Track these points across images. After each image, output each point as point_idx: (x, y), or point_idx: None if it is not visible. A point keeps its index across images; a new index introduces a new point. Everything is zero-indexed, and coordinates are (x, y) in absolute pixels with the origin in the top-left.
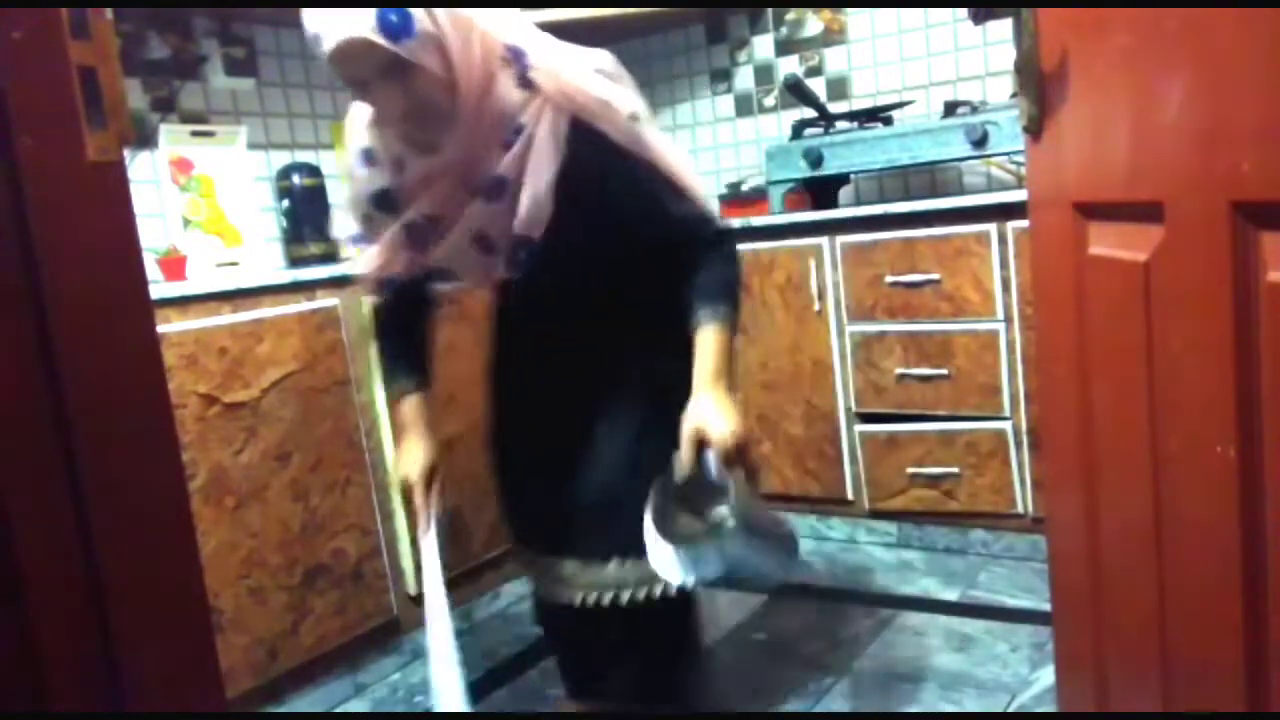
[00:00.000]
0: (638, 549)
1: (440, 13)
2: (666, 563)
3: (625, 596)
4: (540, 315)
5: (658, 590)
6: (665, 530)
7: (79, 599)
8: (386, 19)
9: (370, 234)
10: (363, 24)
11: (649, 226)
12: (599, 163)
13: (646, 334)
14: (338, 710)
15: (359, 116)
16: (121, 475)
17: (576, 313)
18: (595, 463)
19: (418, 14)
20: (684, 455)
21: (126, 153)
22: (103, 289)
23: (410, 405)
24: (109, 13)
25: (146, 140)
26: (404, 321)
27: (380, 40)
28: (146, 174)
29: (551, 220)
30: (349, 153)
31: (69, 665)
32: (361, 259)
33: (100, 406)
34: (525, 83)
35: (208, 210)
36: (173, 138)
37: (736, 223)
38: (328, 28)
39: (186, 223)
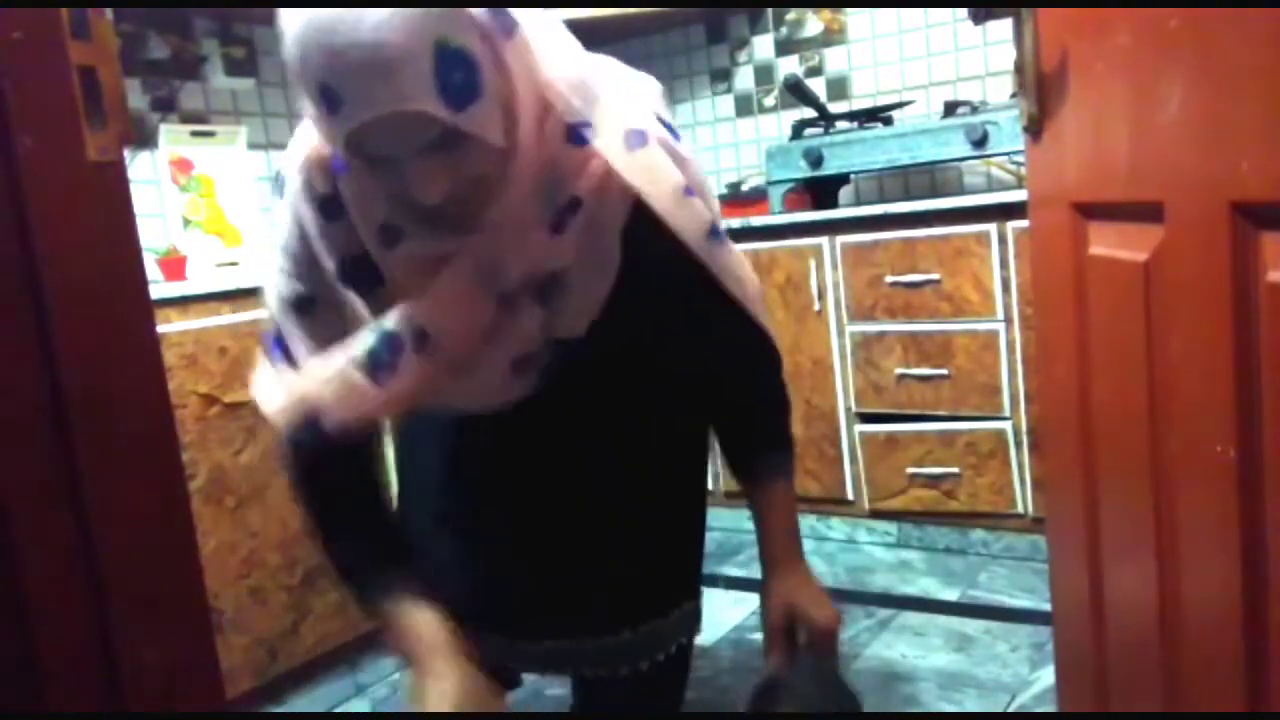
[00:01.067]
0: (651, 612)
1: (506, 52)
2: None
3: (644, 664)
4: (552, 424)
5: (673, 648)
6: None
7: (79, 599)
8: (450, 81)
9: (306, 334)
10: (418, 90)
11: (710, 356)
12: (661, 265)
13: (674, 456)
14: (338, 710)
15: (306, 149)
16: (121, 475)
17: (603, 432)
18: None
19: (485, 66)
20: (776, 647)
21: (126, 153)
22: (103, 289)
23: (424, 621)
24: (109, 13)
25: (146, 140)
26: (355, 482)
27: (443, 114)
28: (146, 174)
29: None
30: (288, 201)
31: (69, 665)
32: (278, 381)
33: (100, 406)
34: (579, 138)
35: (208, 210)
36: (173, 138)
37: (736, 223)
38: (358, 89)
39: (186, 223)
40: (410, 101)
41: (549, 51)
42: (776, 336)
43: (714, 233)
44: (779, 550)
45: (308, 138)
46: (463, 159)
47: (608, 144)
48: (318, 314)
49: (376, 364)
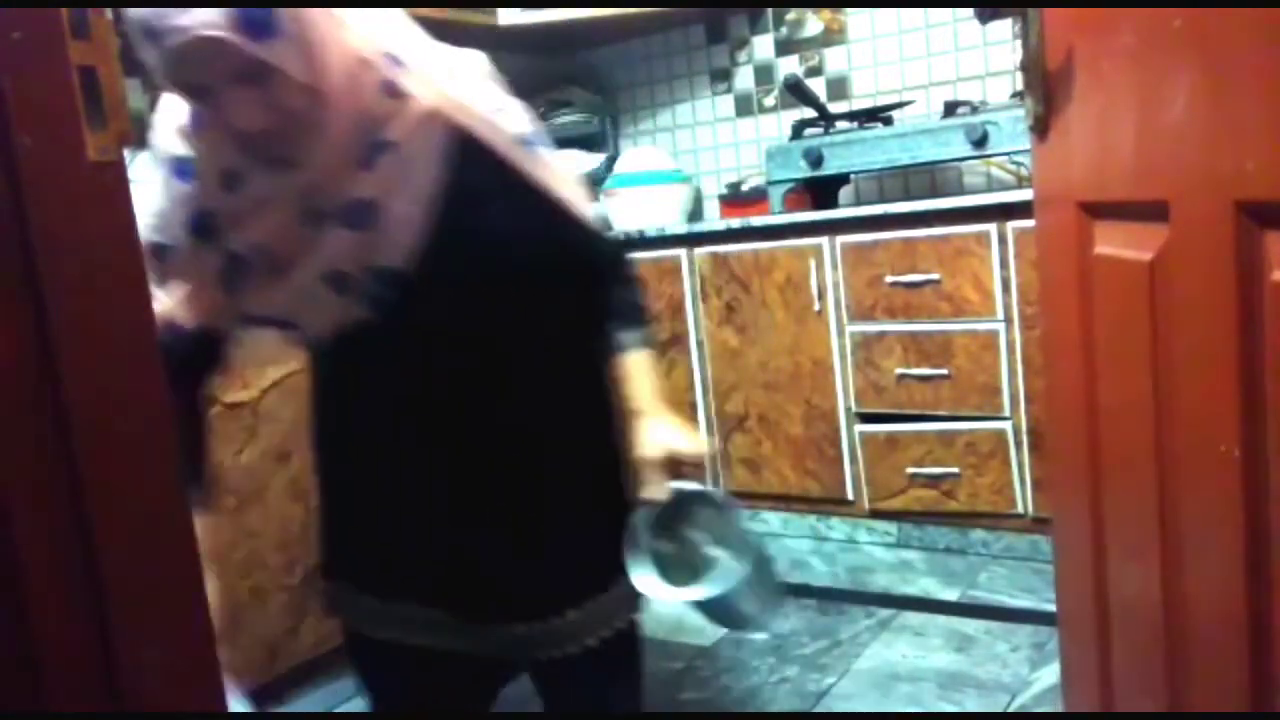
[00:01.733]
0: (594, 591)
1: (302, 11)
2: (655, 591)
3: (591, 641)
4: (414, 358)
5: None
6: (668, 573)
7: (79, 599)
8: (249, 15)
9: (163, 269)
10: (217, 19)
11: (542, 253)
12: (484, 184)
13: (547, 374)
14: (338, 710)
15: (169, 117)
16: (121, 475)
17: (462, 355)
18: (533, 513)
19: (281, 11)
20: (653, 480)
21: (126, 153)
22: (103, 289)
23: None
24: (109, 13)
25: (146, 140)
26: (187, 395)
27: (239, 40)
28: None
29: (426, 250)
30: (152, 161)
31: (68, 665)
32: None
33: (100, 406)
34: (392, 91)
35: None
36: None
37: (736, 223)
38: (166, 21)
39: None
40: (211, 28)
41: (371, 20)
42: (598, 236)
43: (526, 141)
44: (646, 402)
45: (168, 109)
46: (271, 91)
47: (422, 88)
48: (168, 258)
49: (228, 271)
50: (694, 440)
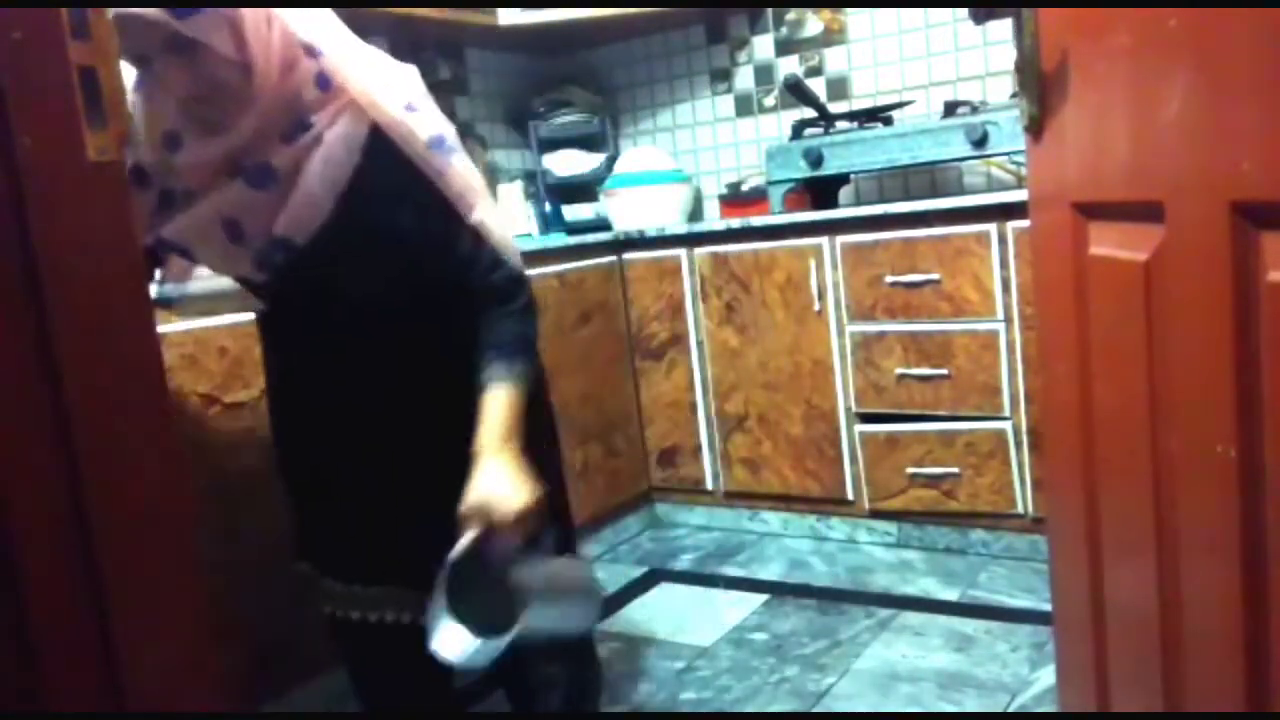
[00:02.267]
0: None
1: None
2: (455, 645)
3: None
4: (319, 334)
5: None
6: (458, 610)
7: (79, 599)
8: None
9: None
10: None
11: (437, 262)
12: (393, 182)
13: (446, 376)
14: (338, 710)
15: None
16: (121, 475)
17: (357, 336)
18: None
19: None
20: (463, 537)
21: (126, 153)
22: (103, 289)
23: None
24: (109, 13)
25: None
26: None
27: (162, 17)
28: None
29: (327, 232)
30: None
31: (68, 665)
32: None
33: (100, 406)
34: (322, 82)
35: None
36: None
37: (736, 223)
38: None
39: None
40: (139, 6)
41: (307, 15)
42: (512, 253)
43: (438, 144)
44: (485, 443)
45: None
46: (198, 61)
47: (350, 84)
48: None
49: (158, 203)
50: (518, 492)
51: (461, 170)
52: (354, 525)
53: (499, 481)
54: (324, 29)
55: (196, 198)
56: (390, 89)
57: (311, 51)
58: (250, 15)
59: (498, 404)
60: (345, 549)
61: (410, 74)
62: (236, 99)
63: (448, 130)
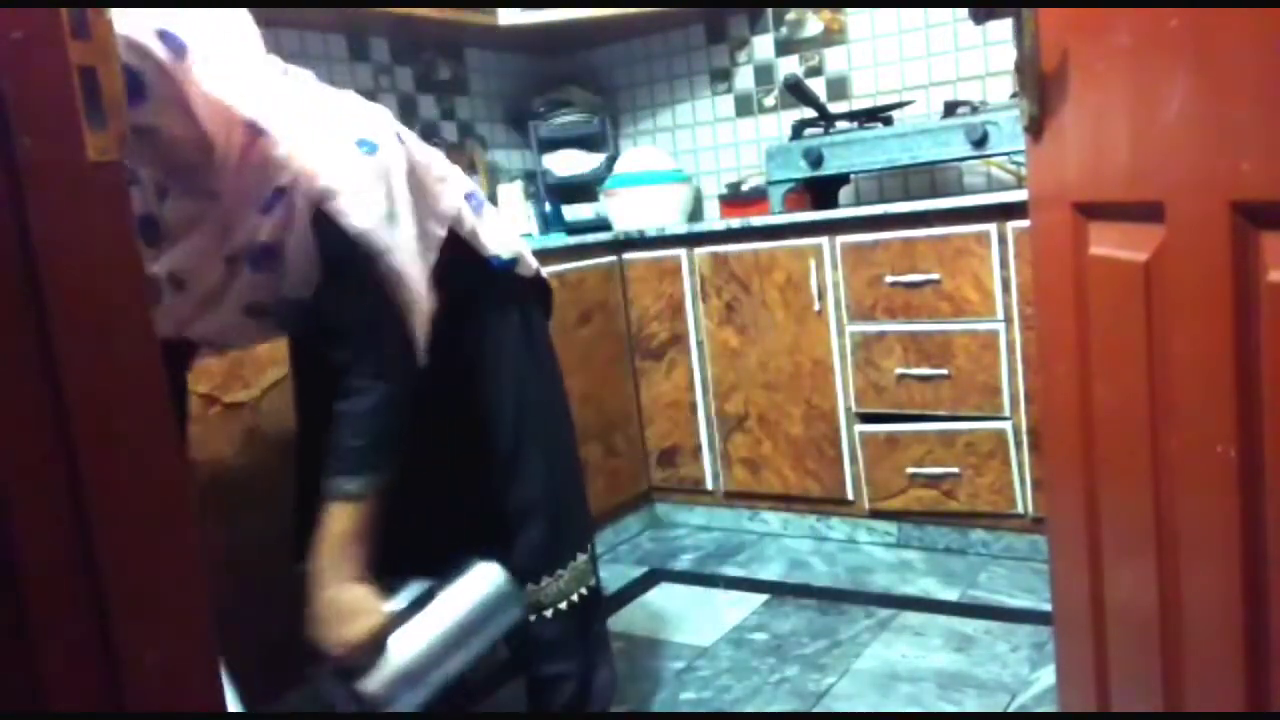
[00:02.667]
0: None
1: (190, 67)
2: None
3: (549, 613)
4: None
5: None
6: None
7: (79, 599)
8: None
9: None
10: None
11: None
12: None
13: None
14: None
15: None
16: (121, 475)
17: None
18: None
19: (150, 76)
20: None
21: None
22: (103, 289)
23: None
24: (109, 13)
25: None
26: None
27: None
28: None
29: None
30: None
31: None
32: None
33: (100, 406)
34: (271, 149)
35: None
36: None
37: (737, 223)
38: None
39: None
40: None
41: (262, 96)
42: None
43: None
44: (318, 567)
45: None
46: (157, 142)
47: (291, 148)
48: None
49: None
50: (351, 628)
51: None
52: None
53: (333, 614)
54: (272, 102)
55: (192, 288)
56: (328, 161)
57: (255, 129)
58: (199, 93)
59: (329, 527)
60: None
61: (375, 117)
62: (210, 169)
63: (398, 206)
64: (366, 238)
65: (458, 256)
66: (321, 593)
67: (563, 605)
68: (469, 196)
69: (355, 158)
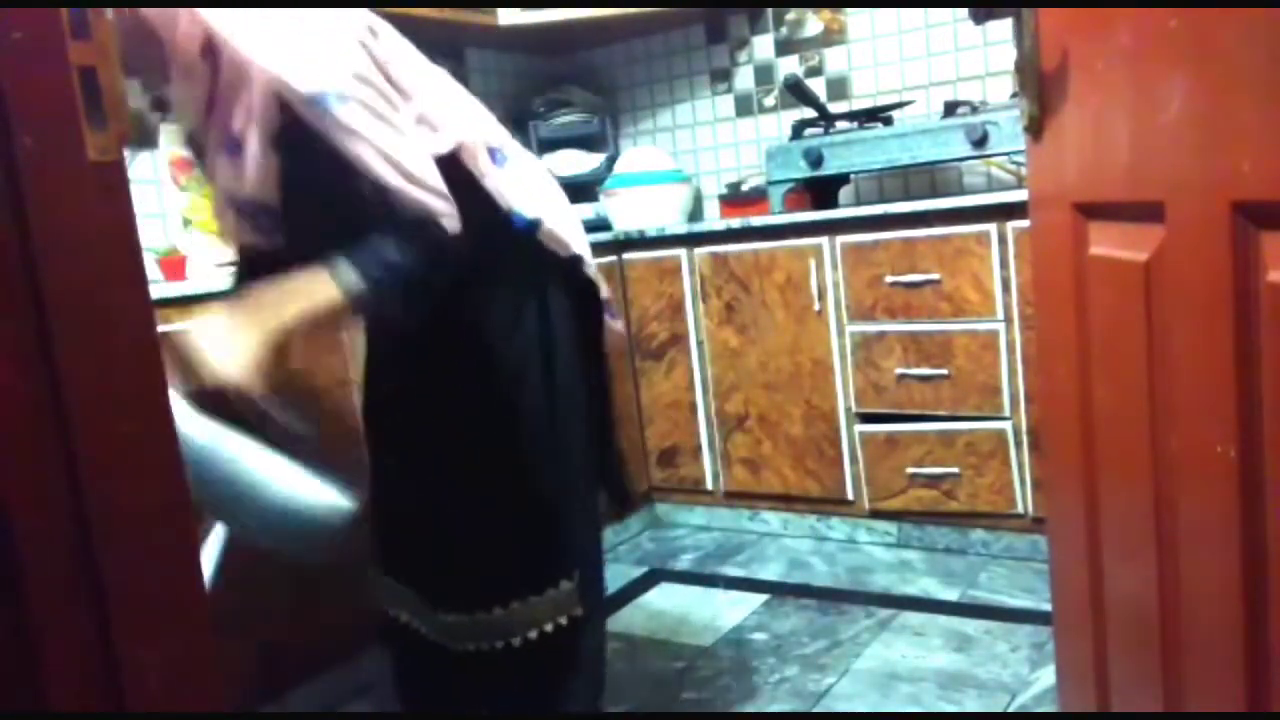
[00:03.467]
0: (529, 587)
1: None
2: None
3: (517, 640)
4: (380, 346)
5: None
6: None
7: (79, 599)
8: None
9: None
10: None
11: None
12: (300, 137)
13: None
14: (338, 710)
15: None
16: (121, 475)
17: (393, 343)
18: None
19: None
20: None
21: (126, 153)
22: (103, 289)
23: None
24: (109, 13)
25: (146, 140)
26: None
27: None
28: (146, 174)
29: (286, 193)
30: None
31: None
32: None
33: (100, 406)
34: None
35: (208, 210)
36: (173, 138)
37: (737, 223)
38: None
39: (186, 223)
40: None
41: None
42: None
43: (335, 99)
44: (252, 300)
45: None
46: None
47: (250, 44)
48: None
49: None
50: (227, 362)
51: (353, 122)
52: (406, 525)
53: (220, 340)
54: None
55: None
56: (278, 45)
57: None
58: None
59: (306, 281)
60: (406, 548)
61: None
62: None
63: (344, 84)
64: (319, 100)
65: (473, 215)
66: (235, 319)
67: (532, 634)
68: (493, 152)
69: (308, 39)
